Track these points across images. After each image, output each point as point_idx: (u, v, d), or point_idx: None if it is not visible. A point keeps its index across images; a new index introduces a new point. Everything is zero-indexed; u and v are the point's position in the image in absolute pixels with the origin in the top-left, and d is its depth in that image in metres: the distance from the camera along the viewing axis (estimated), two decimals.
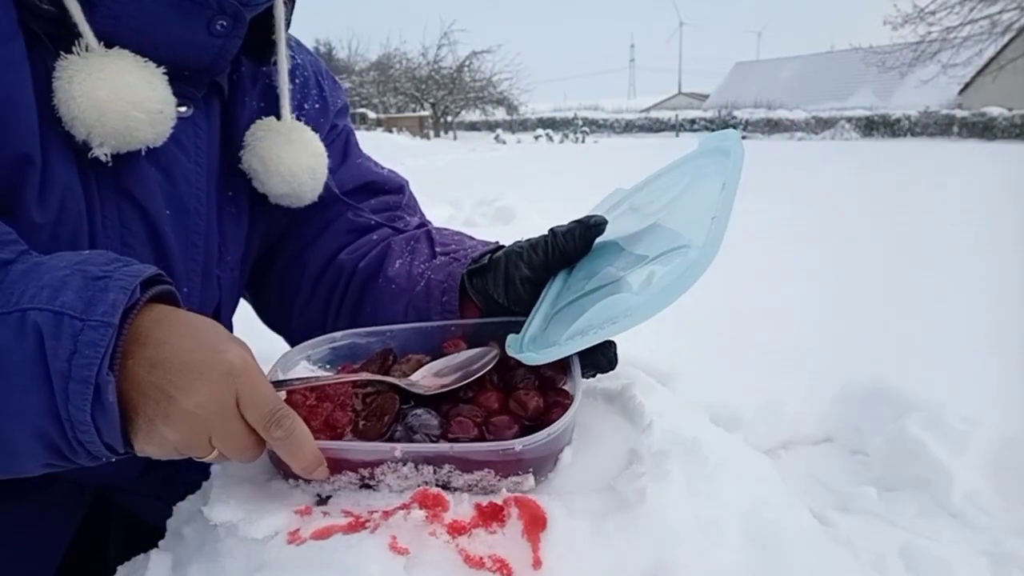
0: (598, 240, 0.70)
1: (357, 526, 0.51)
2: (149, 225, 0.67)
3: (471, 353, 0.68)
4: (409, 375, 0.66)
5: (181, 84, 0.65)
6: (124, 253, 0.65)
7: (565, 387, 0.64)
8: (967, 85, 22.31)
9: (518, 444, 0.52)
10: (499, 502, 0.53)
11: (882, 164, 10.68)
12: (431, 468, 0.54)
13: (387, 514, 0.51)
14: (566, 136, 23.12)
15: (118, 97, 0.58)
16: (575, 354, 0.61)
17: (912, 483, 1.84)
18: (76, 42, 0.58)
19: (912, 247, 4.43)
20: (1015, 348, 2.62)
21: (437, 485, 0.54)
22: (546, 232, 0.72)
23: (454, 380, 0.64)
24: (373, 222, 0.89)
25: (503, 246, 0.77)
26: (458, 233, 0.89)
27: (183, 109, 0.67)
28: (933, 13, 15.66)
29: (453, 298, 0.76)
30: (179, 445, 0.50)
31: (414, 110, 29.91)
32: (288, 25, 0.76)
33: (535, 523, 0.51)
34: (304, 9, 0.80)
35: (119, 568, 0.66)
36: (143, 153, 0.64)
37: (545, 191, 7.27)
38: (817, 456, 2.08)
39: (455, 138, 27.01)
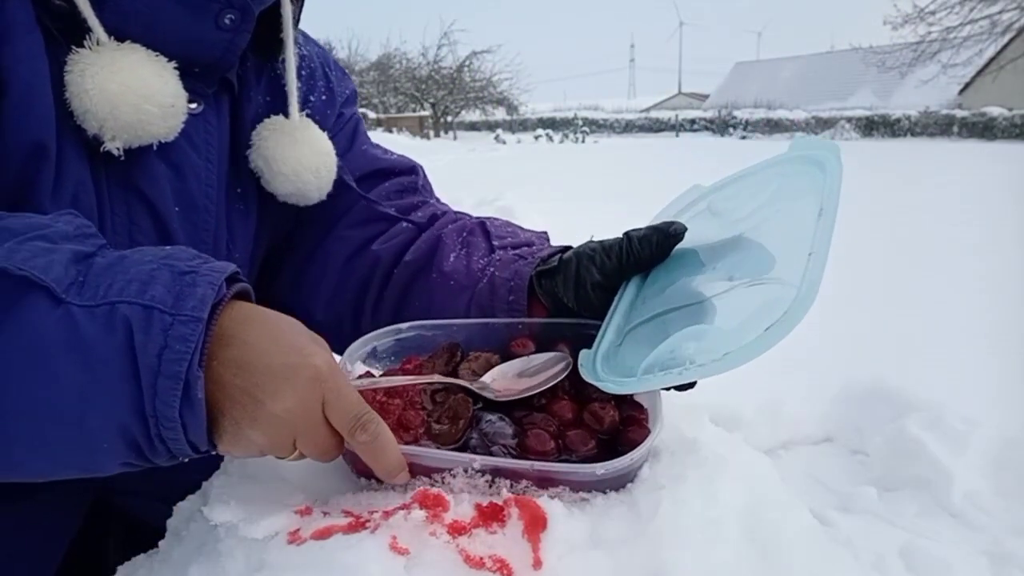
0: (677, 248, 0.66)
1: (357, 526, 0.51)
2: (158, 222, 0.67)
3: (543, 358, 0.66)
4: (479, 374, 0.65)
5: (191, 80, 0.65)
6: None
7: (638, 398, 0.64)
8: (967, 85, 22.32)
9: (600, 468, 0.52)
10: (499, 502, 0.53)
11: (882, 164, 10.69)
12: (508, 482, 0.54)
13: (387, 514, 0.51)
14: (566, 136, 23.13)
15: (130, 90, 0.58)
16: None
17: (912, 483, 1.84)
18: (87, 37, 0.58)
19: (912, 247, 4.44)
20: (1015, 348, 2.62)
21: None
22: (620, 235, 0.69)
23: (526, 388, 0.63)
24: (391, 213, 0.87)
25: (570, 246, 0.75)
26: (509, 224, 0.86)
27: (193, 105, 0.67)
28: (933, 13, 15.66)
29: (521, 297, 0.73)
30: (264, 447, 0.51)
31: (414, 110, 29.92)
32: (297, 22, 0.76)
33: (535, 523, 0.51)
34: (305, 9, 0.80)
35: (119, 568, 0.66)
36: (154, 149, 0.64)
37: (545, 191, 7.27)
38: (817, 456, 2.08)
39: (455, 138, 27.03)
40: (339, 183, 0.83)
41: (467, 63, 29.70)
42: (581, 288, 0.69)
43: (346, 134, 0.88)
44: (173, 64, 0.62)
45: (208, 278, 0.49)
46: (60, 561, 0.74)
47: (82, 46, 0.58)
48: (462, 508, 0.52)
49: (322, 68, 0.87)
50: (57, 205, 0.58)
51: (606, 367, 0.60)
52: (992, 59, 19.28)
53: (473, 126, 34.36)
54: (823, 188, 0.58)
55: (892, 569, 1.52)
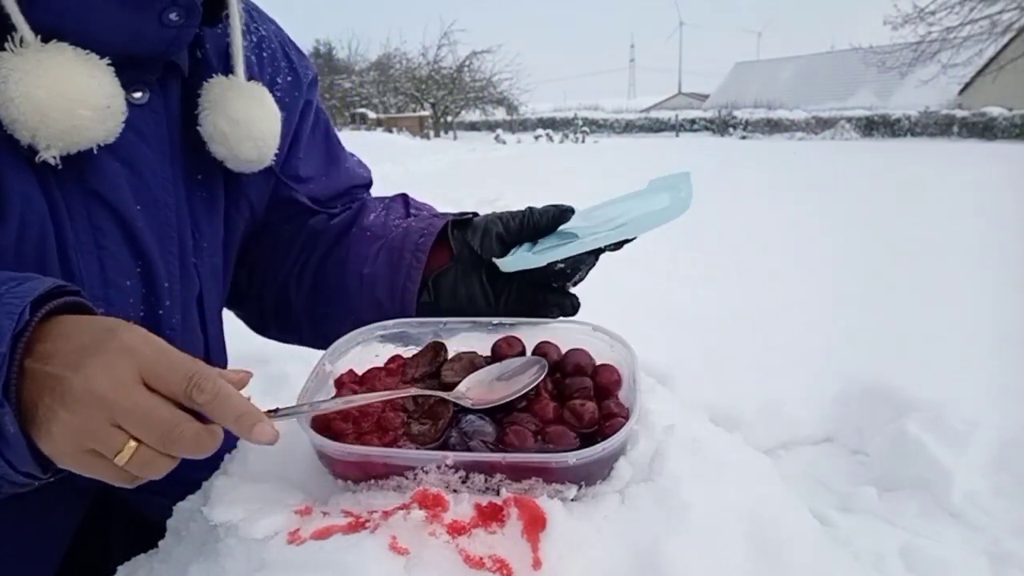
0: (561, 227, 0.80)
1: (357, 526, 0.51)
2: (121, 222, 0.64)
3: (519, 363, 0.67)
4: (461, 376, 0.65)
5: (132, 71, 0.62)
6: (100, 255, 0.63)
7: (621, 398, 0.64)
8: (967, 85, 22.28)
9: (572, 457, 0.52)
10: (499, 502, 0.53)
11: (882, 164, 10.69)
12: (482, 477, 0.54)
13: (387, 514, 0.51)
14: (566, 136, 23.12)
15: (59, 95, 0.55)
16: (638, 370, 0.64)
17: (912, 483, 1.84)
18: (9, 37, 0.54)
19: (912, 247, 4.43)
20: (1015, 348, 2.62)
21: (486, 492, 0.54)
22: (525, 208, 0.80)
23: (501, 396, 0.63)
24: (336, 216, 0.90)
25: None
26: (428, 206, 0.92)
27: (138, 95, 0.64)
28: (933, 13, 15.65)
29: (429, 240, 0.78)
30: (82, 432, 0.46)
31: (414, 110, 29.94)
32: None
33: (535, 523, 0.51)
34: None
35: (119, 568, 0.66)
36: (99, 148, 0.60)
37: (545, 191, 7.27)
38: (817, 456, 2.08)
39: (455, 138, 27.03)
40: (308, 204, 0.86)
41: (467, 63, 29.72)
42: (487, 236, 0.77)
43: (320, 143, 0.89)
44: (107, 61, 0.58)
45: (8, 308, 0.46)
46: (60, 559, 0.74)
47: (2, 48, 0.54)
48: (461, 508, 0.52)
49: (282, 48, 0.84)
50: (4, 227, 0.55)
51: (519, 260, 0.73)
52: (992, 59, 19.26)
53: (473, 126, 34.36)
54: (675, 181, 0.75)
55: (892, 569, 1.52)
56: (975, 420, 1.94)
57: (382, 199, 0.90)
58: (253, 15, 0.79)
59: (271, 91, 0.77)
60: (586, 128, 25.24)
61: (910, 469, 1.86)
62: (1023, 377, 2.35)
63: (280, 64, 0.82)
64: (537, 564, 0.49)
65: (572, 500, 0.55)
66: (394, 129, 24.79)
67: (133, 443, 0.47)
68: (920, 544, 1.59)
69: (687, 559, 0.50)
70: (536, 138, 23.20)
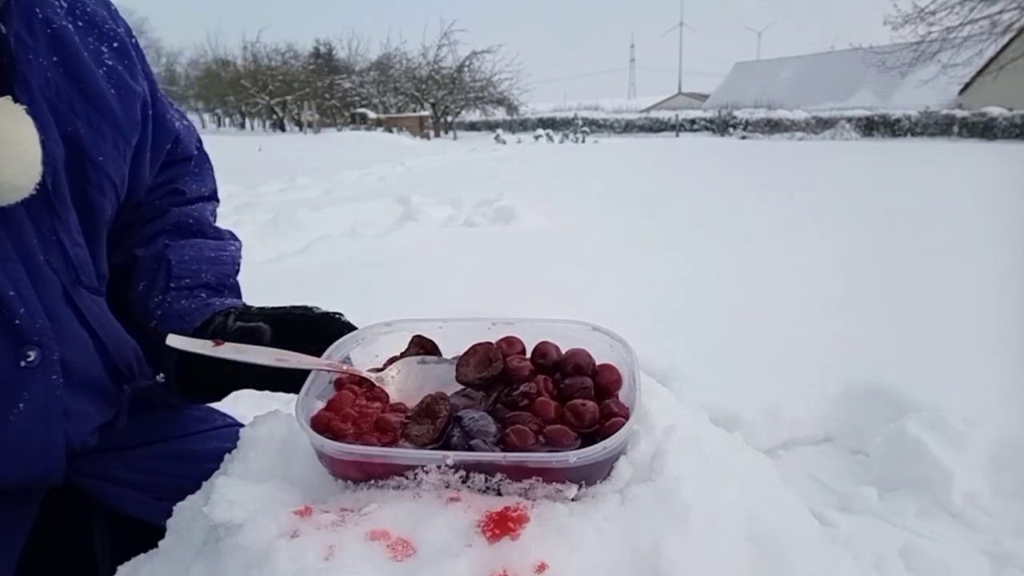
0: None
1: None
2: None
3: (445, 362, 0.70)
4: (475, 370, 0.67)
5: None
6: None
7: (621, 398, 0.65)
8: (967, 85, 22.26)
9: (572, 456, 0.53)
10: (503, 506, 0.53)
11: (882, 164, 10.69)
12: (483, 476, 0.54)
13: None
14: (566, 136, 23.09)
15: None
16: (638, 370, 0.63)
17: (912, 483, 1.84)
18: None
19: (912, 247, 4.43)
20: (1015, 348, 2.62)
21: (487, 491, 0.55)
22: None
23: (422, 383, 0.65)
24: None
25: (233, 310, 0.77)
26: (196, 260, 0.82)
27: None
28: (933, 13, 15.67)
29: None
30: None
31: (414, 110, 29.94)
32: None
33: (536, 524, 0.51)
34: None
35: (119, 568, 0.66)
36: None
37: (545, 191, 7.27)
38: (817, 456, 2.08)
39: (455, 138, 27.01)
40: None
41: (467, 63, 29.75)
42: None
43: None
44: None
45: None
46: (19, 553, 0.71)
47: None
48: (468, 513, 0.52)
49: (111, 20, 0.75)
50: None
51: None
52: (992, 59, 19.25)
53: (473, 126, 34.35)
54: None
55: (892, 569, 1.52)
56: (975, 420, 1.93)
57: (154, 259, 0.81)
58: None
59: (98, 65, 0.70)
60: (586, 128, 25.19)
61: (910, 469, 1.86)
62: (1023, 377, 2.35)
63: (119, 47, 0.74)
64: (539, 565, 0.49)
65: (572, 500, 0.55)
66: (394, 129, 24.80)
67: None
68: (920, 544, 1.59)
69: (687, 559, 0.50)
70: (536, 138, 23.17)
